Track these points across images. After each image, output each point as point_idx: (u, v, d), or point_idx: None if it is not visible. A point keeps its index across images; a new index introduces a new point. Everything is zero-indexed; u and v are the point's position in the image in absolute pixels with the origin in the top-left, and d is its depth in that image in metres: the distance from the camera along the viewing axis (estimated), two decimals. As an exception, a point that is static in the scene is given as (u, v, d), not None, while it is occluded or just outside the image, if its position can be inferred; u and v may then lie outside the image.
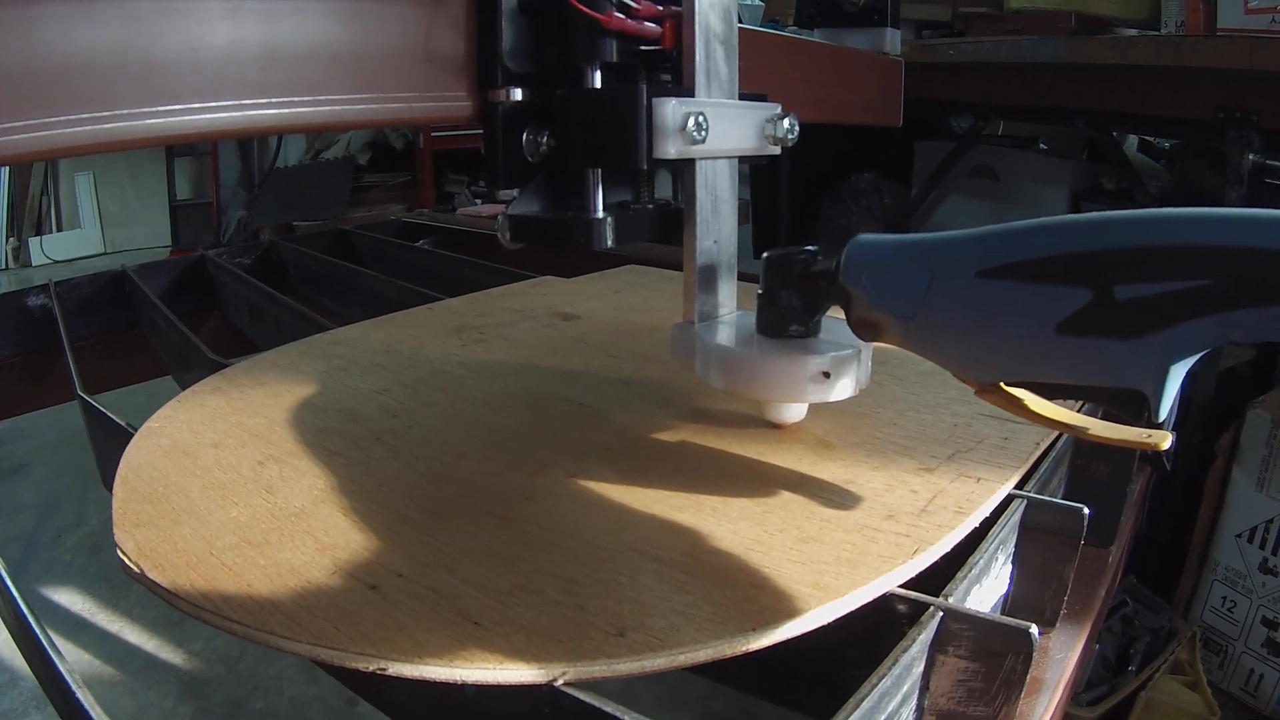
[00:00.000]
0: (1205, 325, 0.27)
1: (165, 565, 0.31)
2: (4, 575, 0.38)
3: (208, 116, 0.33)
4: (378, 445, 0.42)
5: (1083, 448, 0.45)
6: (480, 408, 0.47)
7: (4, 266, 3.60)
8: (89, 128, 0.30)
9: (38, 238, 3.69)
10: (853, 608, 0.29)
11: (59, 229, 3.77)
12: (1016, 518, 0.37)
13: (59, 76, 0.29)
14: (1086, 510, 0.36)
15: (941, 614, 0.30)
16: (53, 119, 0.29)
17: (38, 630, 0.34)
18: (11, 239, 3.62)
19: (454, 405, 0.48)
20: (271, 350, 0.59)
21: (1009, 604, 0.38)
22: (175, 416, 0.47)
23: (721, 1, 0.41)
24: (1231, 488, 1.17)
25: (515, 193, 0.42)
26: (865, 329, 0.36)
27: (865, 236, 0.36)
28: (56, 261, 3.70)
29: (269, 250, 1.04)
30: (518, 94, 0.40)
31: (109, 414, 0.55)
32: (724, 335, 0.42)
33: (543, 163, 0.42)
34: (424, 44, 0.38)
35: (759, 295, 0.41)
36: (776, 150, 0.45)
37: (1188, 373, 0.29)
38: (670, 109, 0.38)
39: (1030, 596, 0.38)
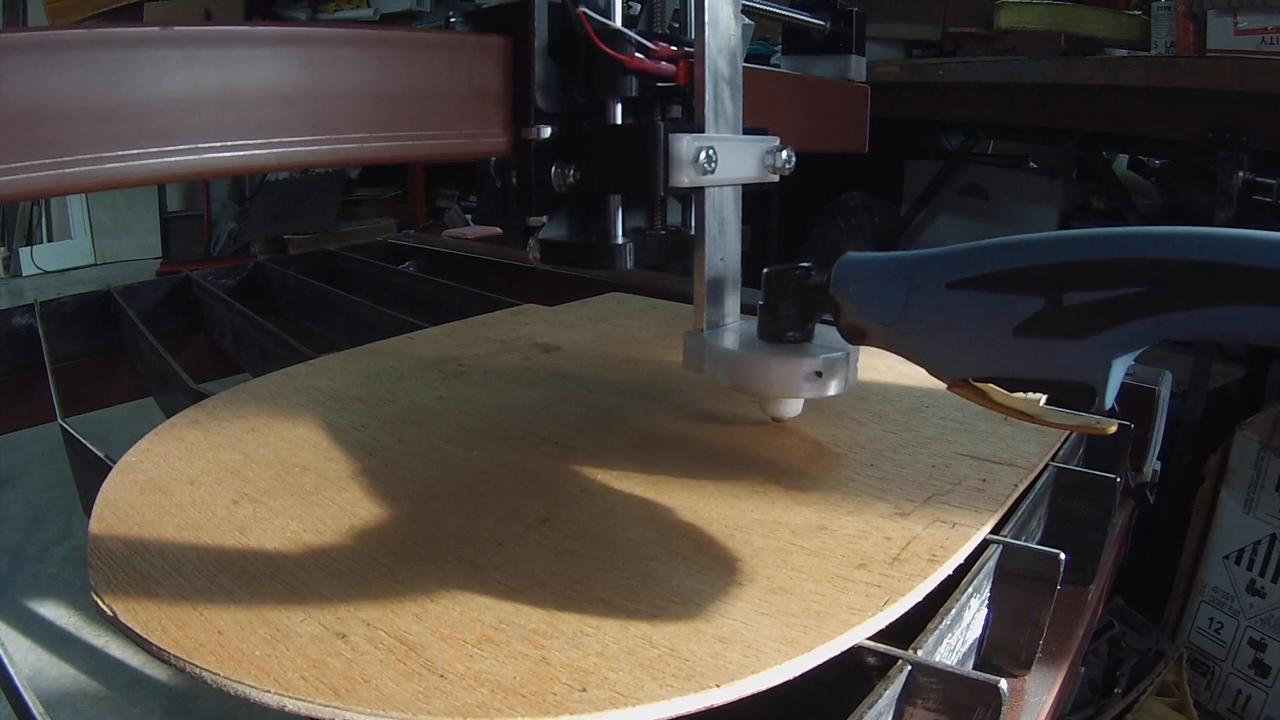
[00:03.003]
0: (1143, 326, 0.31)
1: (137, 609, 0.31)
2: None
3: (202, 157, 0.34)
4: (352, 484, 0.42)
5: (1063, 487, 0.45)
6: (456, 446, 0.47)
7: (-5, 276, 3.59)
8: (52, 172, 0.31)
9: (28, 248, 3.69)
10: (819, 662, 0.29)
11: (50, 239, 3.76)
12: (992, 564, 0.36)
13: (21, 123, 0.29)
14: (1063, 556, 0.36)
15: (910, 667, 0.30)
16: (16, 164, 0.30)
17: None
18: (2, 249, 3.62)
19: (430, 442, 0.47)
20: (251, 381, 0.59)
21: (983, 647, 0.38)
22: (152, 450, 0.46)
23: (728, 47, 0.46)
24: (1219, 509, 1.18)
25: (545, 219, 0.47)
26: (853, 334, 0.41)
27: (852, 255, 0.41)
28: (47, 272, 3.69)
29: (255, 271, 1.04)
30: (547, 131, 0.45)
31: (87, 444, 0.54)
32: (730, 341, 0.47)
33: (569, 192, 0.47)
34: (467, 87, 0.44)
35: (760, 305, 0.46)
36: (776, 179, 0.50)
37: (1128, 367, 0.34)
38: (685, 144, 0.43)
39: (1005, 640, 0.38)
